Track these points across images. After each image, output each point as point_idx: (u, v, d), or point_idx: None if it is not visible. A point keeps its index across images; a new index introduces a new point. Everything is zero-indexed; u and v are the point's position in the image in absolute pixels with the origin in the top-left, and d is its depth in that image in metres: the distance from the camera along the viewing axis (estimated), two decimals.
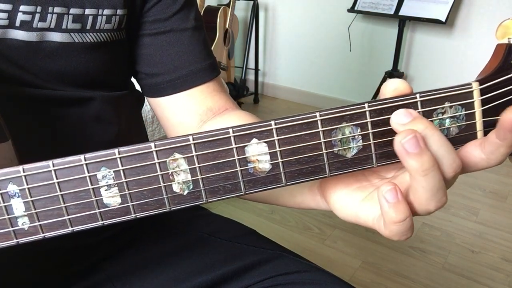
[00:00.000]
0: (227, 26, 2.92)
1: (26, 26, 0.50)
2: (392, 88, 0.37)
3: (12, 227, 0.35)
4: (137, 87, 0.68)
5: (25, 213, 0.35)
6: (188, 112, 0.61)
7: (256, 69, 3.34)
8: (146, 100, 0.68)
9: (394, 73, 2.66)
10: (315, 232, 1.85)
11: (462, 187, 2.17)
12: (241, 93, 3.18)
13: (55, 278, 0.58)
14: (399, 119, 0.35)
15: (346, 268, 1.65)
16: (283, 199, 0.49)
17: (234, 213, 1.96)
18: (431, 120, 0.36)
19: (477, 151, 0.36)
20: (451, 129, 0.37)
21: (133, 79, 0.66)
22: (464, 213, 1.99)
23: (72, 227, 0.35)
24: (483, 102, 0.36)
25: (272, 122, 0.35)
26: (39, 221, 0.35)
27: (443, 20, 2.41)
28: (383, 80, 2.65)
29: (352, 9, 2.72)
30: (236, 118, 0.61)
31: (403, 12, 2.55)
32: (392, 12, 2.58)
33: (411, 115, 0.35)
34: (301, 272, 0.59)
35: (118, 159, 0.34)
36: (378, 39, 2.96)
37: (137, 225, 0.67)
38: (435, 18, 2.43)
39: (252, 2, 3.12)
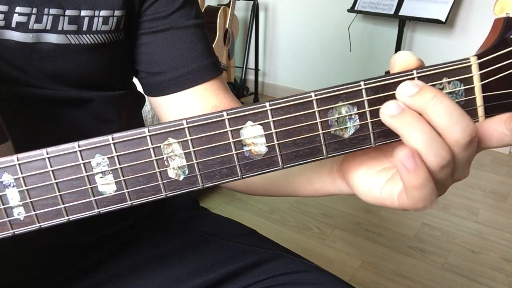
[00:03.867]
0: (227, 26, 2.92)
1: (22, 27, 0.49)
2: (400, 61, 0.36)
3: (8, 217, 0.35)
4: (139, 87, 0.67)
5: (21, 203, 0.34)
6: (191, 111, 0.60)
7: (256, 69, 3.34)
8: (147, 100, 0.67)
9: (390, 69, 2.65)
10: (315, 232, 1.85)
11: (462, 187, 2.17)
12: (241, 93, 3.18)
13: (55, 278, 0.58)
14: (407, 91, 0.34)
15: (346, 268, 1.64)
16: (301, 187, 0.48)
17: (234, 213, 1.96)
18: None
19: (501, 127, 0.35)
20: None
21: (135, 80, 0.66)
22: (464, 213, 1.99)
23: (67, 216, 0.34)
24: (482, 77, 0.35)
25: (267, 104, 0.34)
26: (34, 211, 0.34)
27: (443, 20, 2.41)
28: None
29: (352, 9, 2.72)
30: None
31: (403, 12, 2.54)
32: (392, 12, 2.58)
33: (417, 86, 0.33)
34: (301, 272, 0.58)
35: (112, 145, 0.33)
36: (378, 39, 2.96)
37: (137, 225, 0.67)
38: (435, 18, 2.43)
39: (252, 2, 3.12)
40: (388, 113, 0.34)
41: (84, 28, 0.53)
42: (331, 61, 3.18)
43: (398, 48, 2.65)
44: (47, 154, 0.33)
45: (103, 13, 0.54)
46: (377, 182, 0.39)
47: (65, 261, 0.59)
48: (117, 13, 0.54)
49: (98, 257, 0.62)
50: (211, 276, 0.58)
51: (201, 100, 0.60)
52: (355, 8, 2.71)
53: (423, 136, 0.33)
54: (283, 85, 3.49)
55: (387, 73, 0.37)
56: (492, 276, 1.61)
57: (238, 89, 3.15)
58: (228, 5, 2.90)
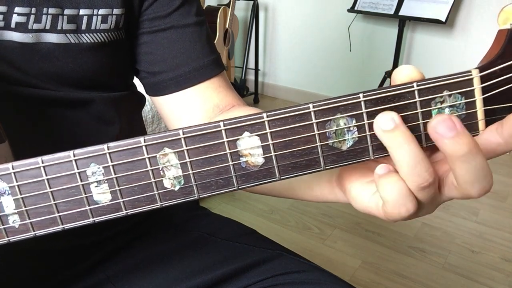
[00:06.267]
0: (227, 26, 2.92)
1: (21, 27, 0.49)
2: (404, 74, 0.35)
3: (3, 225, 0.35)
4: (139, 87, 0.67)
5: (16, 211, 0.34)
6: (194, 109, 0.60)
7: (256, 69, 3.34)
8: (148, 100, 0.67)
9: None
10: (315, 232, 1.85)
11: None
12: (241, 93, 3.18)
13: (55, 279, 0.58)
14: (442, 131, 0.32)
15: (346, 268, 1.64)
16: (302, 193, 0.48)
17: (234, 213, 1.96)
18: (429, 110, 0.34)
19: (493, 136, 0.34)
20: None
21: (135, 80, 0.66)
22: (464, 213, 1.99)
23: (62, 224, 0.34)
24: (484, 90, 0.34)
25: (264, 115, 0.34)
26: (29, 219, 0.34)
27: (443, 20, 2.40)
28: (383, 80, 2.65)
29: (352, 9, 2.72)
30: (244, 114, 0.59)
31: (403, 12, 2.54)
32: (392, 12, 2.58)
33: (455, 128, 0.31)
34: (301, 271, 0.58)
35: (107, 155, 0.33)
36: (378, 39, 2.95)
37: (137, 226, 0.67)
38: (435, 18, 2.43)
39: (252, 2, 3.12)
40: (381, 127, 0.34)
41: (83, 27, 0.53)
42: (331, 61, 3.18)
43: (398, 48, 2.65)
44: (43, 162, 0.33)
45: (101, 11, 0.54)
46: (367, 191, 0.39)
47: (65, 262, 0.59)
48: (116, 11, 0.55)
49: (97, 258, 0.62)
50: (211, 276, 0.58)
51: (203, 99, 0.60)
52: (355, 8, 2.71)
53: (409, 158, 0.33)
54: (283, 85, 3.48)
55: (387, 72, 0.37)
56: (492, 276, 1.61)
57: (238, 89, 3.15)
58: (228, 5, 2.90)
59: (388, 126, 0.33)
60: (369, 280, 1.59)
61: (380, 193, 0.35)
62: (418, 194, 0.35)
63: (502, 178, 2.30)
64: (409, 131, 0.33)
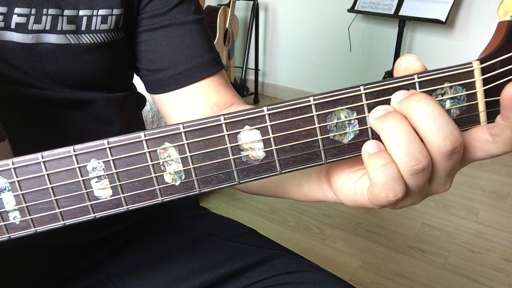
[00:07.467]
0: (227, 26, 2.92)
1: (21, 28, 0.49)
2: (405, 65, 0.35)
3: (3, 221, 0.35)
4: (139, 87, 0.67)
5: (16, 207, 0.34)
6: (193, 107, 0.60)
7: (256, 69, 3.34)
8: (148, 100, 0.67)
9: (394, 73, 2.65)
10: (315, 232, 1.85)
11: (462, 187, 2.16)
12: (241, 93, 3.18)
13: (55, 278, 0.58)
14: (397, 97, 0.34)
15: (346, 268, 1.64)
16: (291, 190, 0.48)
17: (234, 213, 1.96)
18: None
19: (483, 133, 0.34)
20: (452, 110, 0.35)
21: (135, 80, 0.66)
22: (464, 213, 1.98)
23: (63, 220, 0.34)
24: (485, 82, 0.34)
25: (265, 108, 0.34)
26: (30, 215, 0.34)
27: (443, 20, 2.40)
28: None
29: (352, 9, 2.72)
30: None
31: (403, 12, 2.54)
32: (392, 12, 2.58)
33: (408, 92, 0.33)
34: (301, 271, 0.58)
35: (108, 150, 0.33)
36: (378, 39, 2.95)
37: (137, 225, 0.67)
38: (435, 18, 2.43)
39: (252, 2, 3.12)
40: (373, 115, 0.34)
41: (83, 27, 0.53)
42: (331, 61, 3.18)
43: (398, 48, 2.65)
44: (43, 158, 0.33)
45: (101, 12, 0.54)
46: (352, 178, 0.39)
47: (65, 261, 0.59)
48: (115, 11, 0.54)
49: (97, 257, 0.62)
50: (211, 276, 0.58)
51: (202, 97, 0.60)
52: (355, 8, 2.71)
53: (401, 135, 0.33)
54: (283, 85, 3.49)
55: (387, 72, 0.37)
56: (492, 276, 1.61)
57: (238, 89, 3.15)
58: (228, 5, 2.90)
59: (380, 112, 0.34)
60: (369, 280, 1.59)
61: (369, 173, 0.34)
62: (409, 179, 0.34)
63: (502, 178, 2.30)
64: (401, 114, 0.33)
